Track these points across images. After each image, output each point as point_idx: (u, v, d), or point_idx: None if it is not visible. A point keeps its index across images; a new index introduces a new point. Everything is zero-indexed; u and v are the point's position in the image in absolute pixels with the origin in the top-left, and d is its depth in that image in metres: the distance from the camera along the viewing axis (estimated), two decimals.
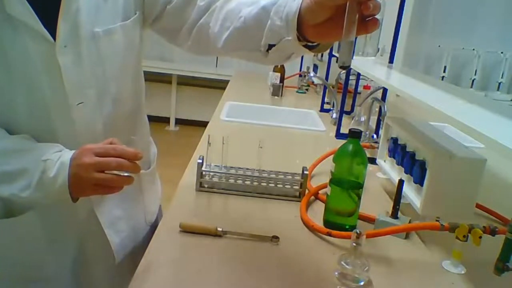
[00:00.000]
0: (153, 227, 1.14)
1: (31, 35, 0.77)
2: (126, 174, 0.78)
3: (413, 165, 1.07)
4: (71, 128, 0.85)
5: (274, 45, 0.76)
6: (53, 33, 0.78)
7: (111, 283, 1.04)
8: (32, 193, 0.78)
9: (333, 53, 2.33)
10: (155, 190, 1.18)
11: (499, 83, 2.47)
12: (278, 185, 1.17)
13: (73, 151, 0.80)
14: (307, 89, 3.01)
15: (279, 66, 2.81)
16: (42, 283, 0.96)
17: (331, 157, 1.03)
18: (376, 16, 0.63)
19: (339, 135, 1.86)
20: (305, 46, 0.72)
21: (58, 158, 0.79)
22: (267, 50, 0.78)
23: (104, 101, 0.89)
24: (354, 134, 1.00)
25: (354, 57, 1.72)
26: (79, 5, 0.80)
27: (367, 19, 0.62)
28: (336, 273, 0.83)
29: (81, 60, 0.83)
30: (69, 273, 0.97)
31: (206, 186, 1.18)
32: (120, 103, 0.93)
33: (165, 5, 0.91)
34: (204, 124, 1.95)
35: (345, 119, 1.94)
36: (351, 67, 1.71)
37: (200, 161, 1.15)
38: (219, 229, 0.93)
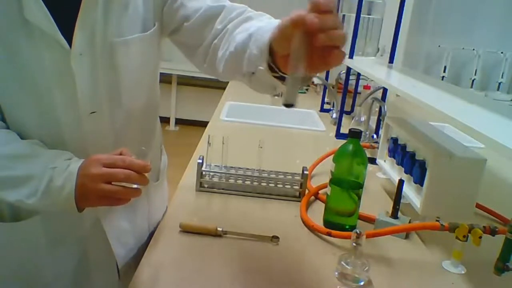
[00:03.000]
0: (154, 230, 1.14)
1: (47, 41, 0.76)
2: (134, 186, 0.77)
3: (413, 165, 1.07)
4: (82, 137, 0.84)
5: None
6: (69, 40, 0.77)
7: None
8: (37, 200, 0.76)
9: None
10: (162, 200, 1.16)
11: (499, 83, 2.47)
12: (278, 185, 1.17)
13: (82, 160, 0.79)
14: (307, 89, 3.01)
15: None
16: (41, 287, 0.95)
17: (331, 157, 1.03)
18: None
19: (339, 135, 1.86)
20: (282, 78, 0.69)
21: (67, 167, 0.77)
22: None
23: (117, 111, 0.87)
24: (354, 134, 1.00)
25: (354, 57, 1.73)
26: (98, 13, 0.79)
27: (336, 51, 0.55)
28: (336, 273, 0.83)
29: (96, 69, 0.81)
30: (69, 280, 0.96)
31: (206, 186, 1.18)
32: (134, 114, 0.91)
33: (183, 22, 0.89)
34: (204, 124, 1.95)
35: (345, 119, 1.94)
36: (351, 67, 1.72)
37: (200, 161, 1.15)
38: (219, 229, 0.93)
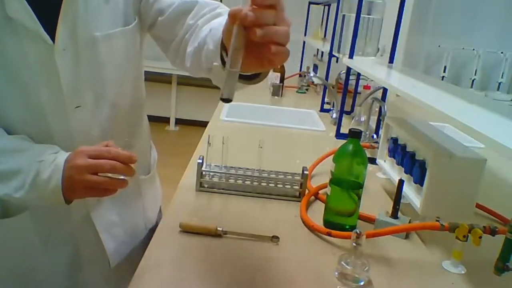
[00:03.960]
0: (152, 230, 1.14)
1: (30, 37, 0.77)
2: (121, 177, 0.78)
3: (413, 165, 1.07)
4: (67, 131, 0.85)
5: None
6: (52, 35, 0.78)
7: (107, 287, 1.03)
8: (25, 194, 0.78)
9: (333, 53, 2.33)
10: (155, 195, 1.17)
11: (499, 83, 2.47)
12: (278, 185, 1.17)
13: (68, 153, 0.80)
14: (307, 89, 3.01)
15: (279, 66, 2.81)
16: (36, 285, 0.95)
17: (331, 157, 1.03)
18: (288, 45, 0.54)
19: (339, 135, 1.86)
20: (243, 77, 0.67)
21: (53, 160, 0.78)
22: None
23: (102, 106, 0.89)
24: (354, 134, 1.00)
25: (354, 57, 1.73)
26: (79, 8, 0.80)
27: (273, 47, 0.53)
28: (336, 273, 0.83)
29: (80, 63, 0.82)
30: (63, 276, 0.97)
31: (206, 186, 1.18)
32: (119, 108, 0.92)
33: (157, 16, 0.90)
34: (204, 124, 1.95)
35: (345, 119, 1.94)
36: (351, 67, 1.72)
37: (200, 161, 1.15)
38: (219, 229, 0.93)
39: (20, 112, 0.82)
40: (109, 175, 0.77)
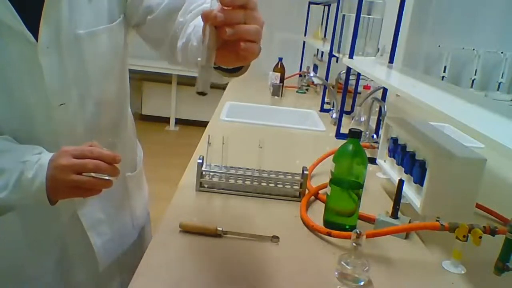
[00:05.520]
0: (142, 233, 1.14)
1: (13, 36, 0.77)
2: (106, 177, 0.77)
3: (413, 165, 1.07)
4: (52, 129, 0.85)
5: None
6: (35, 34, 0.78)
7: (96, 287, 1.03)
8: (9, 194, 0.77)
9: (333, 53, 2.33)
10: (142, 194, 1.17)
11: (499, 83, 2.47)
12: (278, 185, 1.17)
13: (52, 153, 0.79)
14: (307, 89, 3.00)
15: (279, 66, 2.81)
16: (24, 284, 0.95)
17: (331, 157, 1.03)
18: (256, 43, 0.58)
19: (339, 135, 1.86)
20: (227, 70, 0.71)
21: (38, 160, 0.78)
22: None
23: (87, 103, 0.88)
24: (354, 134, 1.00)
25: (354, 57, 1.73)
26: (62, 6, 0.80)
27: (243, 44, 0.57)
28: (336, 273, 0.83)
29: (64, 61, 0.82)
30: (52, 276, 0.96)
31: (206, 186, 1.18)
32: (103, 105, 0.92)
33: (146, 15, 0.89)
34: (204, 124, 1.95)
35: (345, 119, 1.94)
36: (351, 67, 1.72)
37: (200, 161, 1.15)
38: (219, 229, 0.93)
39: (4, 110, 0.81)
40: (93, 175, 0.76)
